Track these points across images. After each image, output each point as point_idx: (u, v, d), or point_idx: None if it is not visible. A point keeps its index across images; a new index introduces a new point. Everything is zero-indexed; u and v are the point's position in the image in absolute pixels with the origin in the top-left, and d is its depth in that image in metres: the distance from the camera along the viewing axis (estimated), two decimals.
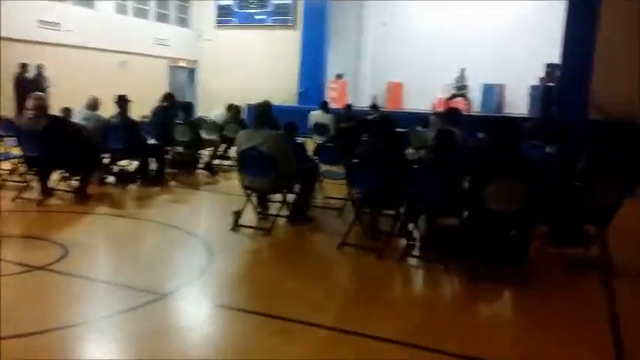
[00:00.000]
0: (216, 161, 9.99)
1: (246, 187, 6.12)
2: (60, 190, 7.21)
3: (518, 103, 18.45)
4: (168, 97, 9.84)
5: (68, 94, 9.91)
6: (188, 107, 9.43)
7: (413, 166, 5.34)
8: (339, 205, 7.07)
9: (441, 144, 5.44)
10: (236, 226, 5.98)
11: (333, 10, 18.60)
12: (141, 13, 17.98)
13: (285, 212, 6.25)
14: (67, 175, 7.21)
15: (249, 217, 6.21)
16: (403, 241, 5.53)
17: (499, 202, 4.62)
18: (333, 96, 18.45)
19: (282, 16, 18.81)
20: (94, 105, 8.27)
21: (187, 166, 9.41)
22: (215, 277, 4.58)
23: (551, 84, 16.19)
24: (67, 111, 7.53)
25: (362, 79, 21.66)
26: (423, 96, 19.99)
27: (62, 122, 7.03)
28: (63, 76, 14.14)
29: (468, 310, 4.20)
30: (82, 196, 7.11)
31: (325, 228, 6.44)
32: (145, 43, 17.64)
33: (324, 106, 11.81)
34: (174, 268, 4.85)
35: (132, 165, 8.55)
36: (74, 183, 7.30)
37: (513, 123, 5.37)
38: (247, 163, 5.95)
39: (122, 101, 8.22)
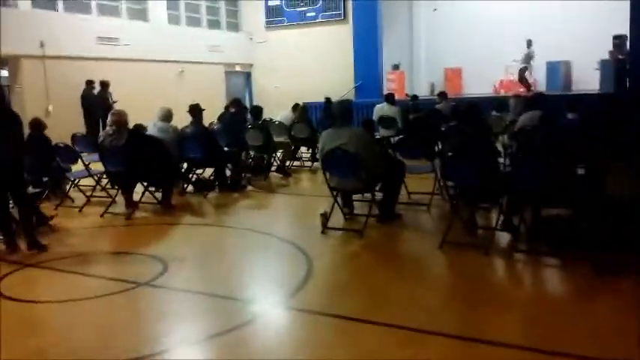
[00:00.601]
0: (288, 163, 9.89)
1: (332, 188, 5.96)
2: (144, 202, 7.23)
3: (586, 80, 17.63)
4: (237, 103, 9.82)
5: (131, 108, 10.04)
6: (258, 111, 9.35)
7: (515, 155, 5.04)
8: (424, 201, 6.83)
9: (547, 129, 5.11)
10: (326, 229, 5.82)
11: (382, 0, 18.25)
12: (193, 22, 18.13)
13: (373, 212, 6.04)
14: (150, 187, 7.20)
15: (336, 218, 6.03)
16: (505, 235, 5.25)
17: (622, 187, 4.28)
18: (391, 87, 18.08)
19: (332, 11, 18.59)
20: (167, 116, 8.27)
21: (261, 170, 9.34)
22: (321, 285, 4.41)
23: (621, 57, 15.37)
24: (141, 126, 7.56)
25: (417, 68, 21.23)
26: (483, 80, 19.42)
27: (142, 136, 7.04)
28: (124, 90, 14.36)
29: (596, 308, 3.86)
30: (166, 207, 7.13)
31: (417, 226, 6.22)
32: (199, 51, 17.75)
33: (389, 99, 11.51)
34: (278, 277, 4.71)
35: (207, 173, 8.54)
36: (157, 195, 7.30)
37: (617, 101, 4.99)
38: (333, 163, 5.78)
39: (195, 110, 8.21)
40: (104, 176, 7.74)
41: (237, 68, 19.77)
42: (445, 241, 5.15)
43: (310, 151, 10.67)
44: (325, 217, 5.99)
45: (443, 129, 8.04)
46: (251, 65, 20.30)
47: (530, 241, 5.06)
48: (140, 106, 10.26)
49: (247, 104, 20.32)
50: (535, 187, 4.81)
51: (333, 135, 5.80)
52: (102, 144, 6.95)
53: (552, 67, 18.06)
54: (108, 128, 6.91)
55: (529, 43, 17.25)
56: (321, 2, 18.70)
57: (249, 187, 8.56)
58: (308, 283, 4.38)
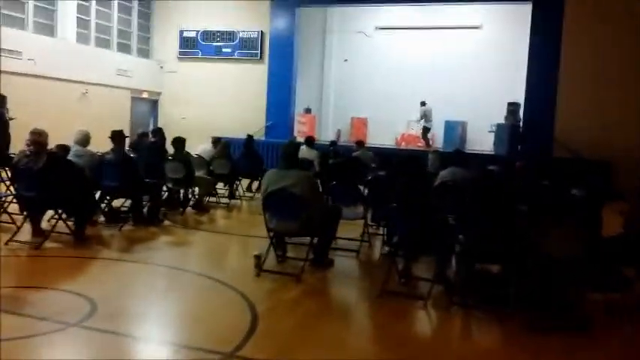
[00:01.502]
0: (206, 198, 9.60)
1: (271, 230, 5.84)
2: (54, 232, 6.65)
3: (480, 140, 18.89)
4: (158, 132, 9.43)
5: (30, 127, 9.27)
6: (180, 143, 9.02)
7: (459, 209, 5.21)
8: (352, 246, 6.89)
9: (487, 186, 5.36)
10: (261, 271, 5.66)
11: (297, 44, 18.61)
12: (102, 43, 17.38)
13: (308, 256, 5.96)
14: (61, 216, 6.64)
15: (268, 260, 5.88)
16: (439, 287, 5.36)
17: (561, 248, 4.54)
18: (302, 130, 18.31)
19: (248, 50, 18.62)
20: (85, 140, 7.80)
21: (179, 204, 8.99)
22: (269, 334, 4.21)
23: (515, 123, 16.64)
24: (63, 149, 7.03)
25: (325, 113, 21.73)
26: (386, 132, 20.24)
27: (61, 161, 6.52)
28: (24, 106, 13.36)
29: None
30: (79, 239, 6.60)
31: (351, 273, 6.23)
32: (106, 74, 17.01)
33: (309, 142, 11.62)
34: (222, 322, 4.44)
35: (117, 203, 8.05)
36: (67, 224, 6.73)
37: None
38: (276, 204, 5.67)
39: (118, 136, 7.78)
40: (8, 199, 7.09)
41: (145, 95, 19.12)
42: (385, 291, 5.19)
43: (227, 188, 10.46)
44: (259, 259, 5.86)
45: (369, 177, 8.19)
46: (159, 93, 19.72)
47: (463, 294, 5.18)
48: (39, 124, 9.41)
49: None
50: (476, 243, 5.01)
51: (278, 176, 5.70)
52: (16, 165, 6.34)
53: (450, 126, 19.14)
54: (25, 148, 6.33)
55: (423, 103, 18.20)
56: (238, 40, 18.67)
57: (166, 222, 8.18)
58: (256, 331, 4.18)
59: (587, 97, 15.36)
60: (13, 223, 6.86)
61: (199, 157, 9.97)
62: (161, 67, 19.48)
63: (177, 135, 9.20)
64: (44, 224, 6.74)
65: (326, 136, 20.01)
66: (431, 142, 18.39)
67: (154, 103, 19.78)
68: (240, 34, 18.67)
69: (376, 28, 20.91)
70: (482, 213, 5.18)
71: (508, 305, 4.81)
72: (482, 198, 5.42)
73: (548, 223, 4.61)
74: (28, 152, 6.27)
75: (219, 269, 5.97)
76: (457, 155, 8.09)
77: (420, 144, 18.94)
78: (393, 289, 5.26)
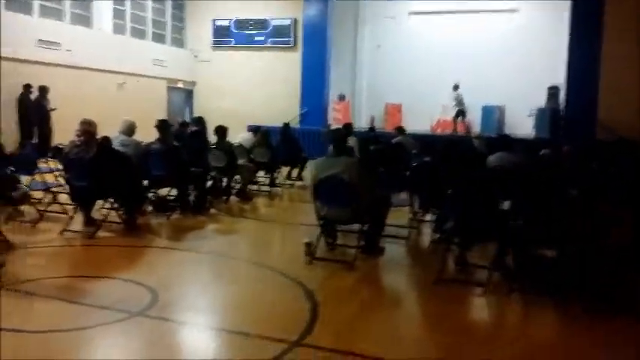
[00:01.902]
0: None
1: (322, 217, 5.79)
2: (105, 221, 6.72)
3: (518, 125, 18.54)
4: (200, 121, 9.43)
5: (69, 117, 9.31)
6: (223, 131, 9.02)
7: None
8: (400, 233, 6.80)
9: (538, 171, 5.23)
10: (313, 259, 5.62)
11: (330, 32, 18.47)
12: (138, 34, 17.51)
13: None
14: (113, 205, 6.70)
15: (319, 248, 5.83)
16: (496, 274, 5.25)
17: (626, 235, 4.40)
18: (336, 117, 18.26)
19: (281, 37, 18.55)
20: (130, 130, 7.84)
21: (223, 193, 9.00)
22: (331, 322, 4.15)
23: (556, 107, 16.29)
24: (107, 139, 7.08)
25: (359, 101, 21.54)
26: (422, 117, 19.96)
27: (111, 150, 6.57)
28: (63, 97, 13.56)
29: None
30: (131, 228, 6.67)
31: (403, 260, 6.15)
32: (142, 64, 17.15)
33: (348, 128, 11.53)
34: (281, 310, 4.40)
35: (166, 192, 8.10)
36: (119, 213, 6.79)
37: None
38: (326, 192, 5.61)
39: (163, 125, 7.81)
40: (61, 190, 7.19)
41: (180, 85, 19.24)
42: (440, 278, 5.10)
43: (269, 175, 10.44)
44: (310, 247, 5.83)
45: (414, 164, 8.06)
46: (194, 83, 19.82)
47: (522, 281, 5.05)
48: (78, 114, 9.47)
49: (188, 120, 19.85)
50: (530, 228, 4.89)
51: (328, 163, 5.65)
52: (67, 155, 6.42)
53: (487, 111, 18.85)
54: (75, 139, 6.39)
55: (455, 87, 17.88)
56: (271, 27, 18.62)
57: (213, 211, 8.20)
58: (317, 320, 4.14)
59: (630, 80, 14.93)
60: (65, 213, 6.97)
61: (240, 145, 9.96)
62: (195, 57, 19.55)
63: (211, 124, 9.19)
64: (94, 214, 6.80)
65: (360, 123, 19.86)
66: (461, 127, 18.07)
67: (189, 93, 19.89)
68: (273, 22, 18.60)
69: (409, 13, 20.60)
70: (534, 198, 5.07)
71: (565, 290, 4.70)
72: (534, 183, 5.31)
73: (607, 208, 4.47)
74: (78, 142, 6.34)
75: (270, 257, 5.95)
76: (504, 140, 7.90)
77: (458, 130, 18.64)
78: (449, 277, 5.19)
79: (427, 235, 6.99)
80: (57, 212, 7.03)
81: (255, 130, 10.65)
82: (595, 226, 4.76)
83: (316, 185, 5.64)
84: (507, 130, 18.76)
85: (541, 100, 17.11)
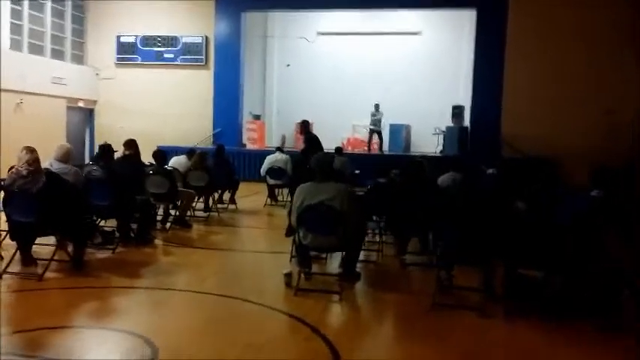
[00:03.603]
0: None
1: (305, 247, 5.55)
2: (47, 259, 6.00)
3: (423, 143, 19.28)
4: (132, 145, 8.75)
5: None
6: (162, 155, 8.47)
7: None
8: (371, 257, 6.75)
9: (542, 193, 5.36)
10: (298, 290, 5.37)
11: (243, 50, 18.22)
12: (36, 50, 16.18)
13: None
14: (60, 241, 6.01)
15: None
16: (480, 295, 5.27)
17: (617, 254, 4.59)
18: (252, 137, 17.96)
19: (192, 55, 17.97)
20: (67, 156, 7.05)
21: (161, 222, 8.43)
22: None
23: (462, 125, 17.09)
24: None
25: (269, 120, 21.35)
26: (332, 136, 20.12)
27: (59, 180, 5.89)
28: None
29: None
30: (79, 265, 5.99)
31: (383, 285, 6.01)
32: (41, 82, 15.84)
33: (280, 149, 11.41)
34: (299, 352, 4.11)
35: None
36: (67, 250, 6.10)
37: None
38: (313, 219, 5.38)
39: (107, 151, 7.18)
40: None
41: (80, 104, 18.00)
42: (435, 304, 5.05)
43: (203, 200, 9.96)
44: (290, 277, 5.61)
45: (369, 185, 8.03)
46: (95, 102, 18.63)
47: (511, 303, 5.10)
48: None
49: (87, 143, 18.61)
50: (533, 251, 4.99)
51: (314, 189, 5.42)
52: (9, 187, 5.66)
53: (395, 130, 19.41)
54: (20, 168, 5.65)
55: (377, 107, 18.32)
56: (181, 44, 17.98)
57: (156, 241, 7.64)
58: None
59: (531, 98, 16.06)
60: None
61: (174, 169, 9.40)
62: (97, 74, 18.41)
63: (114, 146, 8.57)
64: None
65: (271, 142, 19.69)
66: (374, 147, 18.48)
67: (89, 113, 18.65)
68: (183, 39, 17.99)
69: (318, 33, 20.82)
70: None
71: (556, 312, 4.82)
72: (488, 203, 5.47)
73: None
74: (24, 172, 5.61)
75: (249, 290, 5.55)
76: (455, 161, 8.10)
77: (365, 148, 19.01)
78: (441, 301, 5.13)
79: (391, 257, 6.96)
80: None
81: (189, 152, 10.11)
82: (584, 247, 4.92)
83: (302, 212, 5.39)
84: (413, 149, 19.61)
85: (444, 119, 17.88)
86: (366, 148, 18.73)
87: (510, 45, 16.22)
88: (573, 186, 9.81)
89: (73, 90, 17.32)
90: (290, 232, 7.07)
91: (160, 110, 18.00)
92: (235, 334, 4.32)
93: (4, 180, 5.88)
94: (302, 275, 5.62)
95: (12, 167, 7.43)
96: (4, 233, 6.57)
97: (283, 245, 6.75)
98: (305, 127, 11.51)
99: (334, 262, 6.44)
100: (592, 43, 15.47)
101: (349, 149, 19.83)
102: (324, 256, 6.57)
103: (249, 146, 17.80)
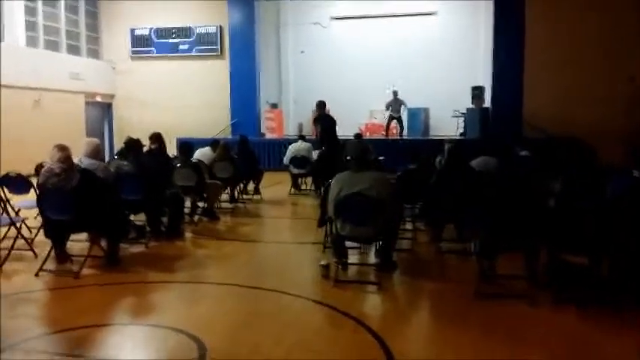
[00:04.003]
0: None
1: (343, 237, 5.47)
2: (83, 256, 6.00)
3: (442, 127, 19.05)
4: (158, 138, 8.69)
5: None
6: (188, 148, 8.43)
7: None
8: (404, 245, 6.64)
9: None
10: (337, 282, 5.29)
11: (258, 38, 18.09)
12: (52, 46, 16.17)
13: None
14: (96, 238, 6.00)
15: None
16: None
17: None
18: (270, 126, 17.88)
19: (207, 45, 17.87)
20: (96, 152, 6.99)
21: (189, 214, 8.40)
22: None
23: (483, 106, 16.85)
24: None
25: (286, 108, 21.23)
26: (349, 123, 19.97)
27: (93, 177, 5.85)
28: None
29: None
30: (114, 262, 5.97)
31: (421, 274, 5.90)
32: (58, 78, 15.85)
33: (302, 137, 11.38)
34: (352, 350, 4.04)
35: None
36: (101, 246, 6.08)
37: None
38: (351, 210, 5.29)
39: (135, 145, 7.13)
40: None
41: (98, 98, 18.01)
42: (479, 292, 4.95)
43: (228, 191, 9.91)
44: (327, 269, 5.54)
45: (399, 172, 7.90)
46: (112, 96, 18.63)
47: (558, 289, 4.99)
48: None
49: (106, 137, 18.65)
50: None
51: (352, 179, 5.33)
52: (43, 185, 5.63)
53: (413, 114, 19.20)
54: (53, 166, 5.62)
55: (395, 94, 18.13)
56: (195, 35, 17.88)
57: (187, 234, 7.61)
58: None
59: (551, 76, 15.81)
60: (32, 249, 6.17)
61: (200, 161, 9.35)
62: (113, 68, 18.39)
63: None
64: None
65: (288, 131, 19.60)
66: (392, 132, 18.35)
67: (107, 107, 18.67)
68: (198, 30, 17.90)
69: (331, 18, 20.59)
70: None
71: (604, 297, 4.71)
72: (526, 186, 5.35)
73: None
74: (57, 170, 5.57)
75: (289, 283, 5.48)
76: (487, 143, 7.95)
77: (383, 133, 18.86)
78: (484, 290, 5.02)
79: (425, 244, 6.87)
80: (19, 249, 6.16)
81: (213, 143, 10.05)
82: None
83: (339, 202, 5.29)
84: (432, 132, 19.40)
85: (463, 101, 17.61)
86: (384, 133, 18.57)
87: (529, 23, 15.93)
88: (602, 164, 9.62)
89: (90, 85, 17.34)
90: (322, 222, 7.04)
91: (178, 102, 17.97)
92: (280, 329, 4.25)
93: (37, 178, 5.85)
94: (339, 266, 5.56)
95: (40, 165, 7.48)
96: (35, 231, 6.61)
97: (312, 235, 6.76)
98: (321, 108, 11.23)
99: (369, 252, 6.38)
100: (609, 14, 15.17)
101: (367, 135, 19.72)
102: (358, 245, 6.48)
103: (268, 135, 17.72)
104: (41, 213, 5.79)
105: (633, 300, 4.74)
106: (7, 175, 6.79)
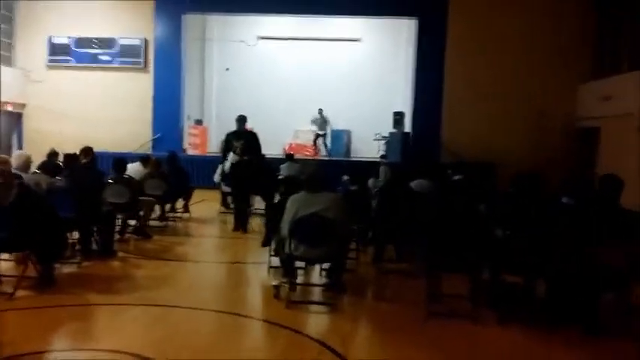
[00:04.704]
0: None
1: (295, 257, 5.47)
2: (5, 276, 5.65)
3: (364, 149, 19.54)
4: (89, 152, 8.29)
5: None
6: (122, 163, 8.10)
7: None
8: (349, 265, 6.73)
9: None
10: (289, 302, 5.28)
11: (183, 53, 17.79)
12: None
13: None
14: (30, 257, 5.62)
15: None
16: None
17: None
18: (194, 142, 17.55)
19: (130, 57, 17.30)
20: (27, 165, 6.69)
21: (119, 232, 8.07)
22: None
23: (403, 131, 17.42)
24: (19, 177, 5.92)
25: (207, 124, 20.91)
26: (274, 141, 20.00)
27: (31, 192, 5.50)
28: None
29: None
30: (49, 282, 5.63)
31: (369, 294, 6.02)
32: None
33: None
34: None
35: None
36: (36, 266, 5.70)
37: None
38: (306, 231, 5.30)
39: (72, 160, 6.79)
40: None
41: (9, 107, 16.92)
42: (431, 312, 5.11)
43: (160, 209, 9.61)
44: (279, 289, 5.54)
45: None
46: (23, 105, 17.57)
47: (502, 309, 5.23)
48: None
49: (15, 149, 17.51)
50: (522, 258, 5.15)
51: (308, 200, 5.35)
52: None
53: (336, 135, 19.59)
54: None
55: (320, 112, 18.43)
56: (118, 47, 17.28)
57: (120, 253, 7.30)
58: None
59: (469, 105, 16.63)
60: None
61: (131, 178, 9.01)
62: (26, 76, 17.38)
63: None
64: None
65: (211, 148, 19.31)
66: (318, 152, 18.62)
67: (17, 117, 17.58)
68: (121, 42, 17.31)
69: (258, 37, 20.62)
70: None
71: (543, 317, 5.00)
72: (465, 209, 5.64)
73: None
74: None
75: (240, 304, 5.42)
76: (423, 167, 8.25)
77: (307, 153, 19.06)
78: (433, 310, 5.18)
79: (366, 265, 6.99)
80: None
81: (143, 159, 9.73)
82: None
83: (295, 223, 5.30)
84: (354, 154, 19.83)
85: (385, 124, 18.16)
86: (308, 152, 18.77)
87: (450, 52, 16.74)
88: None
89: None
90: (267, 242, 7.02)
91: (96, 114, 17.23)
92: (246, 354, 4.18)
93: None
94: (289, 286, 5.55)
95: None
96: None
97: (251, 255, 6.73)
98: (241, 123, 10.02)
99: (312, 272, 6.40)
100: (527, 48, 16.26)
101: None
102: (303, 266, 6.49)
103: (191, 152, 17.38)
104: None
105: (570, 319, 5.04)
106: None
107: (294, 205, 5.36)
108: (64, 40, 17.32)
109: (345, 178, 8.84)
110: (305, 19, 19.98)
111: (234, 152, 9.37)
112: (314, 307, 5.37)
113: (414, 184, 7.89)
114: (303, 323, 4.80)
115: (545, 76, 16.26)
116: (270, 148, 19.19)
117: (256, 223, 9.01)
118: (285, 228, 5.41)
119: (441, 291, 5.57)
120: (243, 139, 9.61)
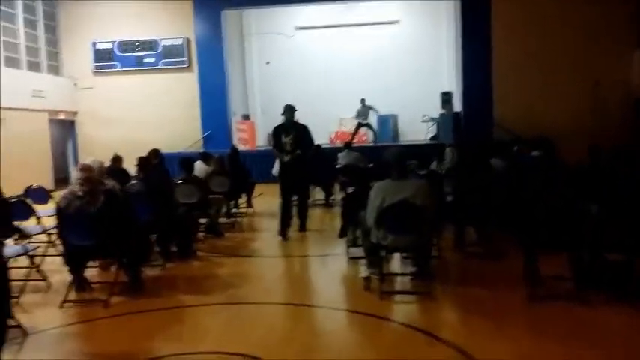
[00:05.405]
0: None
1: (382, 247, 5.34)
2: (97, 283, 5.72)
3: (411, 132, 19.24)
4: (157, 154, 8.33)
5: None
6: (189, 164, 8.12)
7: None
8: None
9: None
10: (383, 293, 5.17)
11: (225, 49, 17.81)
12: (12, 63, 15.39)
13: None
14: (122, 263, 5.66)
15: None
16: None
17: None
18: (242, 137, 17.58)
19: (174, 58, 17.41)
20: (102, 171, 6.68)
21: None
22: None
23: (453, 111, 17.08)
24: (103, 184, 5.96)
25: (253, 119, 20.96)
26: (319, 131, 19.82)
27: (117, 198, 5.51)
28: None
29: None
30: (139, 286, 5.67)
31: (459, 280, 5.85)
32: (21, 96, 15.06)
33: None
34: None
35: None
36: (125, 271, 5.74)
37: None
38: (394, 219, 5.17)
39: (146, 163, 6.81)
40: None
41: (62, 116, 17.26)
42: (532, 294, 4.93)
43: (225, 206, 9.61)
44: (369, 281, 5.43)
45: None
46: (75, 113, 17.89)
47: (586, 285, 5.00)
48: None
49: (71, 156, 17.90)
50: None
51: (394, 187, 5.20)
52: (64, 209, 5.27)
53: (382, 120, 19.32)
54: (75, 187, 5.27)
55: (363, 102, 18.18)
56: (161, 48, 17.40)
57: (199, 253, 7.32)
58: None
59: (519, 79, 16.18)
60: (44, 279, 5.81)
61: (196, 176, 9.03)
62: (75, 84, 17.68)
63: (100, 157, 8.22)
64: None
65: (258, 142, 19.33)
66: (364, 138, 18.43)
67: (70, 124, 17.92)
68: (163, 43, 17.42)
69: (296, 27, 20.50)
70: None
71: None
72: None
73: None
74: (80, 193, 5.23)
75: (334, 298, 5.33)
76: (489, 146, 8.01)
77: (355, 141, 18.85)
78: (535, 292, 4.99)
79: (449, 249, 6.82)
80: (33, 280, 5.77)
81: (205, 157, 9.75)
82: None
83: (383, 212, 5.16)
84: (402, 138, 19.55)
85: (432, 106, 17.86)
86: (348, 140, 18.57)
87: (496, 27, 16.29)
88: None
89: (53, 102, 16.59)
90: (344, 232, 6.93)
91: (145, 117, 17.44)
92: (353, 349, 4.08)
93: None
94: (378, 277, 5.44)
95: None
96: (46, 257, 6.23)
97: (327, 247, 6.86)
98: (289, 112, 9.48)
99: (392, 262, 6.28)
100: (577, 16, 15.70)
101: (338, 143, 19.69)
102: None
103: (241, 147, 17.39)
104: (63, 239, 5.42)
105: None
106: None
107: (380, 194, 5.22)
108: (107, 45, 17.52)
109: (412, 162, 8.65)
110: (341, 5, 19.76)
111: (285, 150, 8.40)
112: (407, 297, 5.23)
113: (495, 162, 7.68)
114: (404, 314, 4.68)
115: (599, 43, 15.68)
116: (317, 138, 19.21)
117: (316, 216, 8.93)
118: (371, 217, 5.28)
119: (539, 272, 5.37)
120: (292, 133, 8.61)
